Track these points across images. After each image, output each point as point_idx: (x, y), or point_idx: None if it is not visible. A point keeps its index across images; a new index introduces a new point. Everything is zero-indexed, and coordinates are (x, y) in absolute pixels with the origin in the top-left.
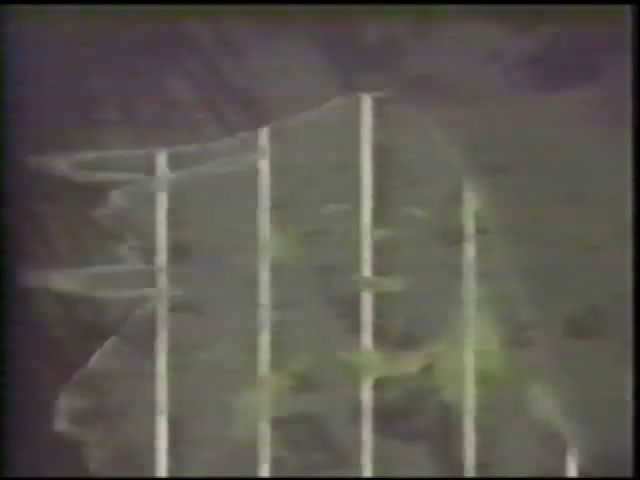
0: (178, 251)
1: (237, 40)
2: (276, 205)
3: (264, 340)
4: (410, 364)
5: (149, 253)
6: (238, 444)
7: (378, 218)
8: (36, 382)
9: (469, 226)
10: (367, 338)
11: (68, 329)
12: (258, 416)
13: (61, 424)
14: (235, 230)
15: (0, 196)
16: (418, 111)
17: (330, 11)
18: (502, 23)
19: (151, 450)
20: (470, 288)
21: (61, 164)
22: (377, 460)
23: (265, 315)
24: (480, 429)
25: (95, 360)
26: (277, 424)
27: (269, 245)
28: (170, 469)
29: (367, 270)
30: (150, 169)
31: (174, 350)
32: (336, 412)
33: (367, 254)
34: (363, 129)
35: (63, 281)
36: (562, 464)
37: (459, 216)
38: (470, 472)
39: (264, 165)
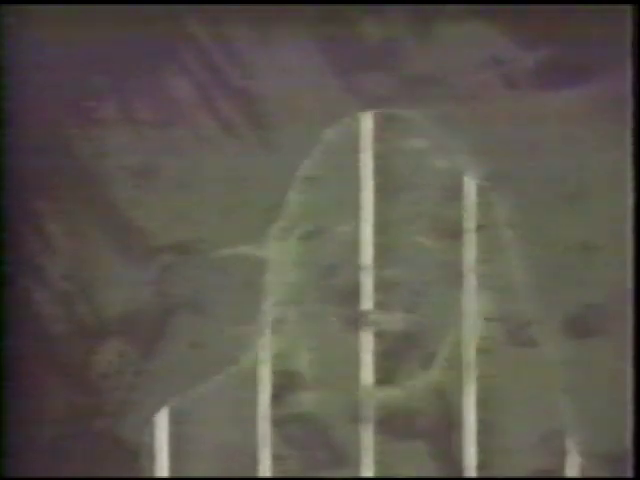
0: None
1: (236, 39)
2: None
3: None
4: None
5: None
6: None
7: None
8: (36, 382)
9: (469, 223)
10: (368, 337)
11: (68, 329)
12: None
13: None
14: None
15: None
16: (419, 112)
17: (330, 10)
18: (500, 24)
19: None
20: (471, 290)
21: None
22: (379, 461)
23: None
24: (483, 429)
25: None
26: (277, 424)
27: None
28: None
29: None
30: None
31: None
32: (337, 412)
33: (368, 287)
34: (364, 153)
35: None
36: (562, 464)
37: (459, 213)
38: (471, 472)
39: None
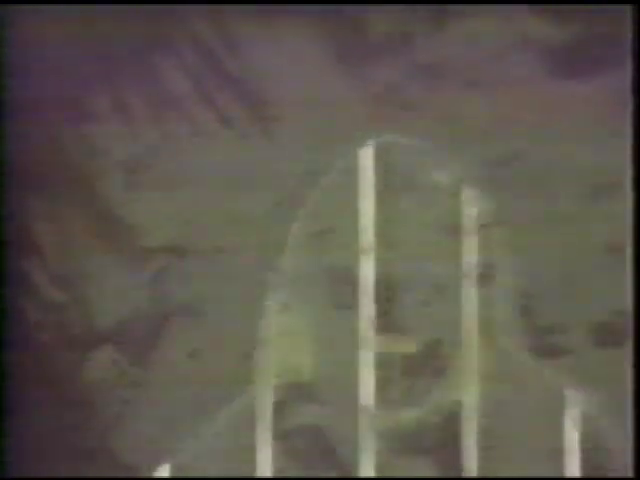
0: None
1: (238, 33)
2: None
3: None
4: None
5: None
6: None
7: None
8: (36, 382)
9: (471, 225)
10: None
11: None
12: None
13: None
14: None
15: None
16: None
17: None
18: (501, 20)
19: None
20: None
21: None
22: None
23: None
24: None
25: None
26: (280, 435)
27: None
28: None
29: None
30: None
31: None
32: (340, 423)
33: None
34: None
35: None
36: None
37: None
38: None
39: None
